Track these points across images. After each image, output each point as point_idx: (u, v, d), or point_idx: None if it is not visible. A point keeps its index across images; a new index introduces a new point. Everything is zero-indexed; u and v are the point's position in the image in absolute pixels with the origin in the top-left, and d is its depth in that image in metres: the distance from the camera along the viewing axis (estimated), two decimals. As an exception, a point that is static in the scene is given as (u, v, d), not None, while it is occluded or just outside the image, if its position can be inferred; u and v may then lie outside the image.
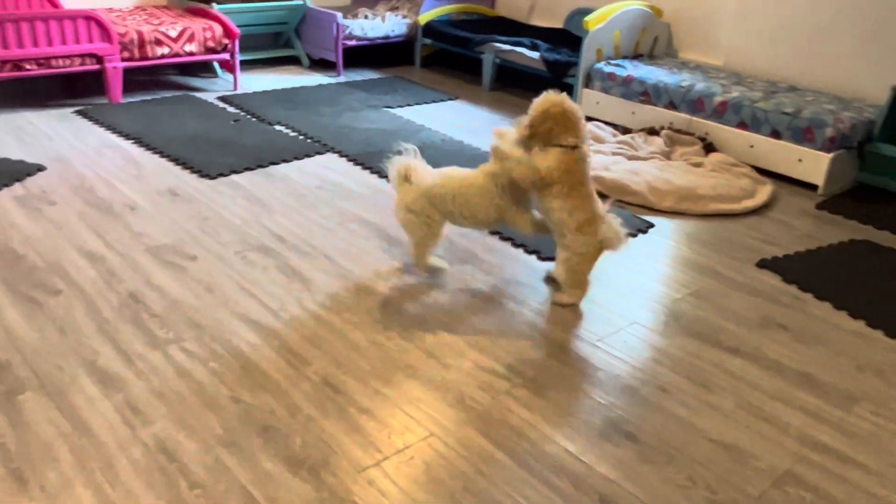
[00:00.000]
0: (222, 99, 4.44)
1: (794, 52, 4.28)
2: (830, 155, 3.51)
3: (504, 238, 2.91)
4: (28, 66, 3.87)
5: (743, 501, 1.70)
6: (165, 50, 4.29)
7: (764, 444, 1.89)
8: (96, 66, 4.09)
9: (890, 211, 3.41)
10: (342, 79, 5.06)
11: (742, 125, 3.80)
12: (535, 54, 4.67)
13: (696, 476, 1.77)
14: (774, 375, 2.18)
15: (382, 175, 3.43)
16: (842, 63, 4.09)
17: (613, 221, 2.34)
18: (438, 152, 3.75)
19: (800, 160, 3.61)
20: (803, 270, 2.80)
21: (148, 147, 3.59)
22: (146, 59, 4.24)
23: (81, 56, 4.02)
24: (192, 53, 4.40)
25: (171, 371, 2.00)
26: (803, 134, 3.58)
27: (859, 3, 3.97)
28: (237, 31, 4.50)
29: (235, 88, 4.65)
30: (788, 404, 2.05)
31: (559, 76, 4.57)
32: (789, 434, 1.94)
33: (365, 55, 5.64)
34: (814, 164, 3.56)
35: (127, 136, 3.71)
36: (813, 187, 3.62)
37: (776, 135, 3.68)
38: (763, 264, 2.83)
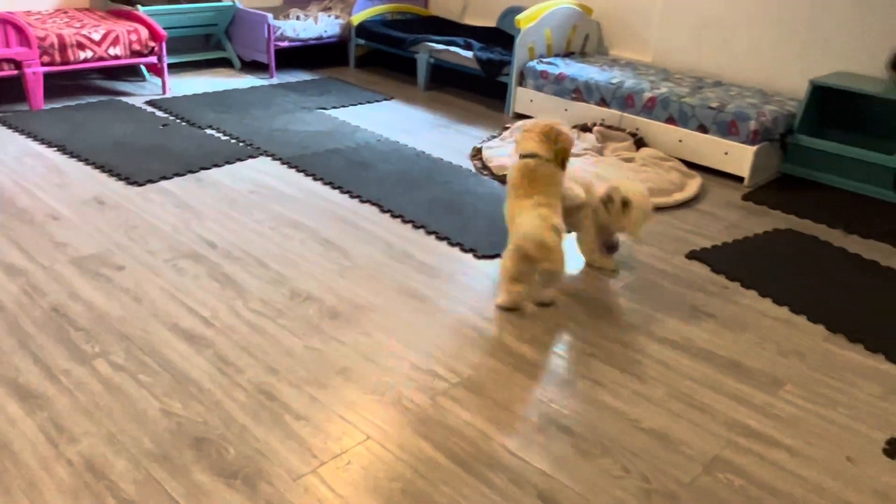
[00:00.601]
0: (150, 103, 4.33)
1: (718, 48, 4.40)
2: (754, 147, 3.63)
3: (440, 238, 2.91)
4: (-60, 73, 3.70)
5: (675, 488, 1.75)
6: (89, 54, 4.16)
7: (694, 431, 1.95)
8: (14, 72, 3.93)
9: (812, 200, 3.55)
10: (275, 81, 4.99)
11: (671, 120, 3.89)
12: (469, 53, 4.69)
13: (629, 466, 1.81)
14: (704, 363, 2.24)
15: (317, 178, 3.40)
16: (763, 58, 4.24)
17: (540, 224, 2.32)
18: (374, 153, 3.73)
19: (726, 153, 3.72)
20: (730, 260, 2.89)
21: (72, 154, 3.48)
22: (68, 63, 4.10)
23: (-2, 61, 3.86)
24: (117, 57, 4.28)
25: (97, 386, 1.94)
26: (728, 128, 3.69)
27: (779, 0, 4.11)
28: (164, 33, 4.39)
29: (164, 92, 4.54)
30: (717, 391, 2.11)
31: (493, 75, 4.61)
32: (718, 420, 1.99)
33: (298, 56, 5.57)
34: (739, 157, 3.68)
35: (49, 144, 3.58)
36: (739, 179, 3.74)
37: (703, 129, 3.78)
38: (692, 255, 2.91)
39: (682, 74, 4.42)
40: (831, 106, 3.89)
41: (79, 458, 1.70)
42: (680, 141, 3.86)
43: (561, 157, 2.50)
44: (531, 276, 2.40)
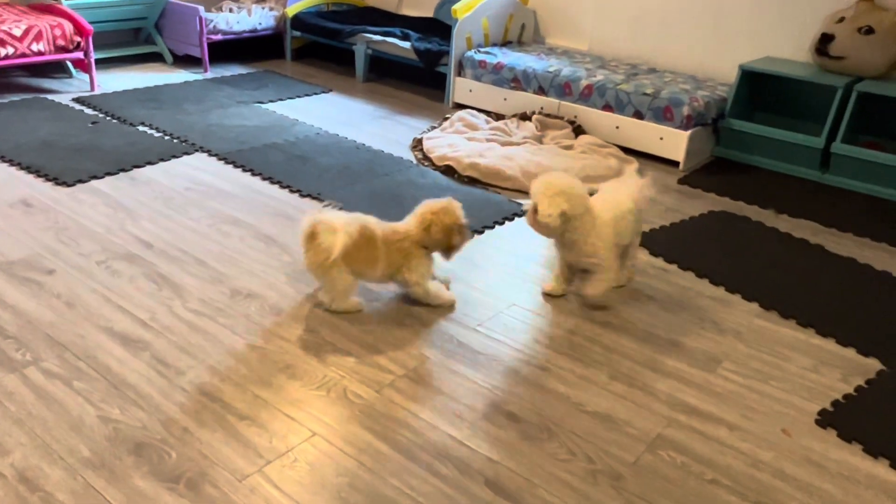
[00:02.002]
0: (78, 100, 4.18)
1: (651, 35, 4.48)
2: (688, 132, 3.71)
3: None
4: None
5: (620, 468, 1.78)
6: (10, 50, 3.99)
7: (637, 411, 1.99)
8: (-70, 70, 3.75)
9: (744, 182, 3.65)
10: (209, 75, 4.88)
11: (607, 107, 3.95)
12: (407, 44, 4.67)
13: (575, 448, 1.83)
14: (644, 345, 2.28)
15: (256, 173, 3.34)
16: (694, 44, 4.33)
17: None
18: (314, 146, 3.68)
19: (661, 138, 3.79)
20: (668, 243, 2.95)
21: (-5, 156, 3.34)
22: (-12, 60, 3.93)
23: (-89, 59, 3.67)
24: (40, 53, 4.11)
25: (29, 395, 1.87)
26: (663, 113, 3.76)
27: (707, -12, 4.21)
28: (90, 28, 4.24)
29: (93, 89, 4.38)
30: (658, 371, 2.16)
31: (431, 65, 4.59)
32: (660, 399, 2.04)
33: (232, 50, 5.45)
34: (674, 142, 3.76)
35: (-30, 145, 3.43)
36: (674, 163, 3.82)
37: (639, 115, 3.85)
38: (632, 240, 2.96)
39: (618, 62, 4.49)
40: (760, 90, 4.01)
41: (11, 470, 1.64)
42: (617, 127, 3.92)
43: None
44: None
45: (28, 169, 3.22)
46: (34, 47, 4.08)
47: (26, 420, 1.79)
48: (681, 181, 3.62)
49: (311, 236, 2.20)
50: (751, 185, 3.61)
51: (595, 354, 2.22)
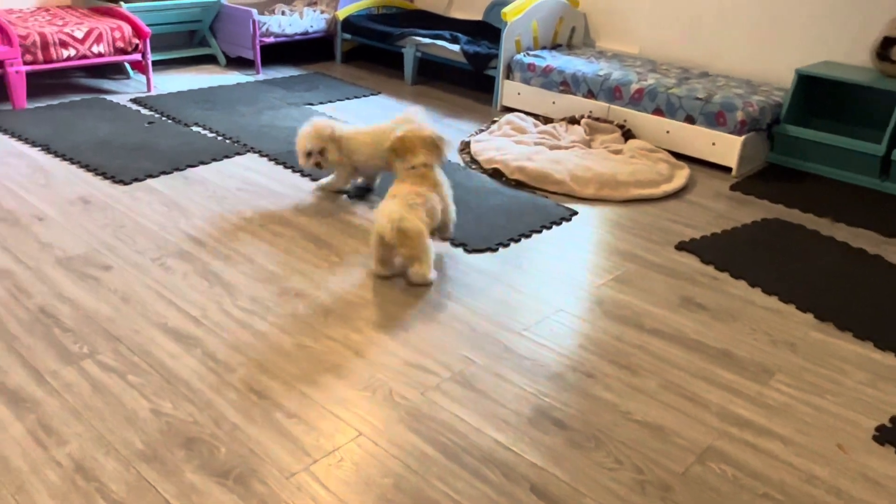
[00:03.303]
0: (135, 101, 4.29)
1: (704, 39, 4.41)
2: (742, 137, 3.63)
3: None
4: (-80, 73, 3.65)
5: (668, 479, 1.75)
6: (71, 52, 4.11)
7: (686, 421, 1.95)
8: (-4, 71, 3.89)
9: (799, 189, 3.56)
10: (261, 77, 4.96)
11: (658, 111, 3.89)
12: (456, 47, 4.68)
13: (622, 458, 1.81)
14: (695, 354, 2.24)
15: (305, 174, 3.38)
16: (750, 48, 4.24)
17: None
18: (362, 148, 3.71)
19: (713, 144, 3.72)
20: (719, 250, 2.89)
21: (56, 154, 3.44)
22: (51, 61, 4.06)
23: (-21, 60, 3.81)
24: (100, 55, 4.23)
25: (86, 387, 1.92)
26: (715, 118, 3.70)
27: (763, -9, 4.12)
28: (148, 30, 4.35)
29: (149, 90, 4.50)
30: (709, 381, 2.12)
31: (480, 69, 4.59)
32: (710, 410, 2.00)
33: (284, 52, 5.54)
34: (726, 147, 3.68)
35: (33, 144, 3.54)
36: (727, 169, 3.75)
37: (690, 120, 3.79)
38: (681, 246, 2.92)
39: (669, 66, 4.43)
40: (818, 95, 3.91)
41: (68, 460, 1.68)
42: (667, 132, 3.86)
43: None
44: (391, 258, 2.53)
45: (87, 167, 3.31)
46: (94, 49, 4.20)
47: (83, 411, 1.84)
48: (733, 187, 3.55)
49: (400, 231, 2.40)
50: (806, 193, 3.52)
51: (643, 362, 2.19)
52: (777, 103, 3.80)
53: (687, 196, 3.43)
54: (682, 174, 3.58)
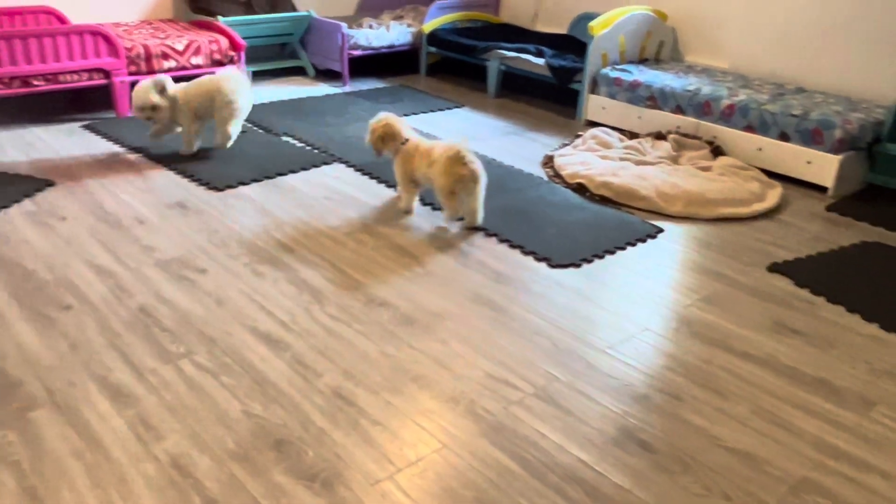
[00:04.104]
0: (229, 111, 4.44)
1: (800, 54, 4.26)
2: (839, 156, 3.49)
3: (513, 246, 2.90)
4: (36, 82, 3.90)
5: (760, 509, 1.69)
6: (172, 63, 4.31)
7: (779, 450, 1.88)
8: (103, 81, 4.11)
9: (901, 212, 3.39)
10: (348, 88, 5.08)
11: (749, 128, 3.78)
12: (541, 60, 4.67)
13: (711, 484, 1.76)
14: (788, 381, 2.16)
15: (391, 185, 3.43)
16: (849, 64, 4.08)
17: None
18: (445, 160, 3.75)
19: (809, 162, 3.59)
20: (815, 273, 2.78)
21: (155, 160, 3.61)
22: (153, 72, 4.26)
23: (89, 71, 4.04)
24: (198, 66, 4.42)
25: (182, 385, 2.00)
26: (812, 136, 3.56)
27: (866, 4, 3.95)
28: (243, 43, 4.52)
29: (242, 100, 4.66)
30: (803, 410, 2.04)
31: (565, 82, 4.57)
32: (805, 440, 1.92)
33: (370, 64, 5.65)
34: (823, 166, 3.54)
35: (134, 150, 3.73)
36: (822, 189, 3.61)
37: (784, 137, 3.66)
38: (774, 268, 2.82)
39: (762, 81, 4.30)
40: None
41: (165, 455, 1.75)
42: (759, 149, 3.74)
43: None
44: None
45: (183, 173, 3.46)
46: (193, 60, 4.39)
47: (179, 409, 1.91)
48: (829, 208, 3.41)
49: (460, 159, 2.87)
50: (909, 216, 3.35)
51: (733, 387, 2.12)
52: (878, 121, 3.63)
53: (779, 216, 3.32)
54: (775, 193, 3.46)
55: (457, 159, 2.86)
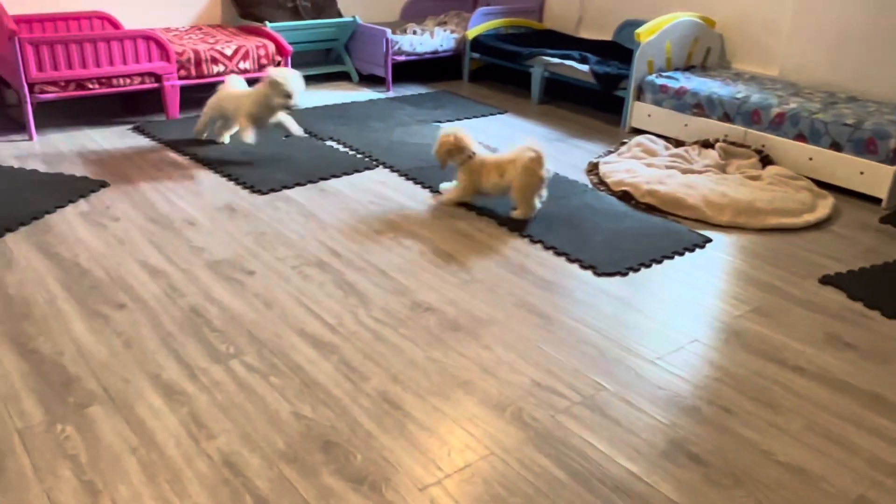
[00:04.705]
0: (275, 115, 4.51)
1: (853, 61, 4.17)
2: (894, 167, 3.41)
3: (558, 253, 2.89)
4: (91, 86, 4.00)
5: (815, 527, 1.65)
6: (221, 68, 4.39)
7: (835, 467, 1.84)
8: (155, 85, 4.20)
9: (958, 225, 3.30)
10: (391, 94, 5.11)
11: (800, 137, 3.71)
12: (585, 67, 4.65)
13: (764, 500, 1.72)
14: (843, 396, 2.11)
15: (434, 190, 3.44)
16: (904, 72, 3.98)
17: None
18: (489, 166, 3.75)
19: (861, 173, 3.51)
20: (869, 286, 2.72)
21: (204, 163, 3.67)
22: (202, 76, 4.34)
23: (141, 75, 4.13)
24: (246, 71, 4.49)
25: (233, 385, 2.03)
26: (865, 145, 3.49)
27: (922, 11, 3.86)
28: (290, 48, 4.58)
29: (287, 104, 4.72)
30: (859, 426, 1.99)
31: (610, 89, 4.54)
32: (861, 457, 1.87)
33: (413, 70, 5.69)
34: (876, 177, 3.46)
35: (184, 153, 3.80)
36: (876, 201, 3.52)
37: (836, 147, 3.59)
38: (826, 280, 2.76)
39: (813, 89, 4.22)
40: (983, 124, 3.61)
41: (217, 454, 1.78)
42: (810, 159, 3.67)
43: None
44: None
45: (230, 176, 3.52)
46: (241, 65, 4.46)
47: (230, 409, 1.94)
48: (883, 220, 3.33)
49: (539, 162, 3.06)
50: (967, 229, 3.25)
51: (785, 401, 2.08)
52: (935, 131, 3.54)
53: (831, 227, 3.25)
54: (826, 204, 3.39)
55: (537, 162, 3.03)
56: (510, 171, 3.10)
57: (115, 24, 4.53)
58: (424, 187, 3.49)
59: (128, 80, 4.11)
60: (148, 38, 4.07)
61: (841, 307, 2.59)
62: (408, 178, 3.60)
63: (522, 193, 3.10)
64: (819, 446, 1.91)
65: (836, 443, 1.92)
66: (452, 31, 5.49)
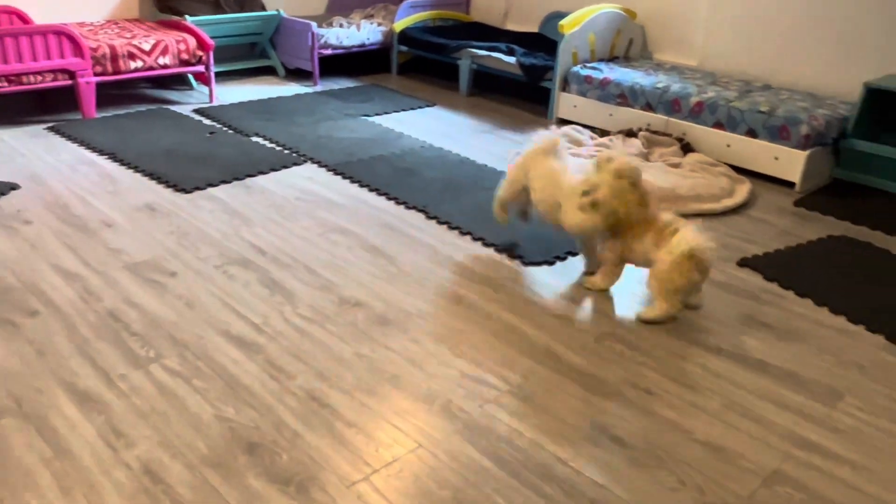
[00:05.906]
0: (198, 111, 4.40)
1: (767, 51, 4.32)
2: (806, 152, 3.54)
3: (487, 244, 2.90)
4: (-2, 84, 3.82)
5: (733, 502, 1.71)
6: (139, 63, 4.25)
7: (751, 443, 1.90)
8: (68, 82, 4.03)
9: (866, 206, 3.45)
10: (319, 88, 5.04)
11: (718, 125, 3.83)
12: (512, 59, 4.68)
13: (685, 478, 1.77)
14: (758, 374, 2.19)
15: (363, 184, 3.42)
16: (815, 61, 4.14)
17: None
18: (419, 159, 3.74)
19: (776, 158, 3.64)
20: (783, 268, 2.82)
21: (123, 162, 3.55)
22: (119, 73, 4.20)
23: (53, 72, 3.96)
24: (166, 66, 4.36)
25: (153, 390, 1.97)
26: (779, 132, 3.62)
27: (831, 2, 4.02)
28: (211, 42, 4.47)
29: (211, 101, 4.61)
30: (774, 403, 2.06)
31: (536, 80, 4.59)
32: (776, 433, 1.94)
33: (341, 64, 5.62)
34: (790, 162, 3.60)
35: (101, 152, 3.66)
36: (790, 185, 3.66)
37: (752, 133, 3.71)
38: (743, 263, 2.85)
39: (730, 78, 4.35)
40: (887, 110, 3.79)
41: (136, 462, 1.73)
42: (728, 146, 3.79)
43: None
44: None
45: (151, 175, 3.41)
46: (160, 61, 4.33)
47: (150, 414, 1.88)
48: (797, 203, 3.46)
49: None
50: (874, 210, 3.41)
51: (705, 381, 2.14)
52: (843, 117, 3.70)
53: (748, 211, 3.36)
54: (744, 189, 3.51)
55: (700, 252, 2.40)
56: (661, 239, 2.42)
57: (24, 19, 4.33)
58: (353, 182, 3.46)
59: (39, 78, 3.94)
60: (59, 32, 3.91)
61: (757, 288, 2.69)
62: (336, 174, 3.56)
63: (674, 285, 2.37)
64: (737, 424, 1.97)
65: (753, 420, 1.99)
66: (379, 24, 5.45)
